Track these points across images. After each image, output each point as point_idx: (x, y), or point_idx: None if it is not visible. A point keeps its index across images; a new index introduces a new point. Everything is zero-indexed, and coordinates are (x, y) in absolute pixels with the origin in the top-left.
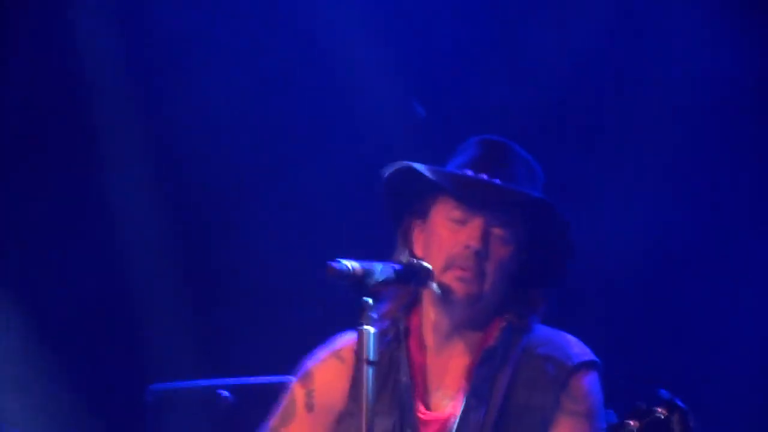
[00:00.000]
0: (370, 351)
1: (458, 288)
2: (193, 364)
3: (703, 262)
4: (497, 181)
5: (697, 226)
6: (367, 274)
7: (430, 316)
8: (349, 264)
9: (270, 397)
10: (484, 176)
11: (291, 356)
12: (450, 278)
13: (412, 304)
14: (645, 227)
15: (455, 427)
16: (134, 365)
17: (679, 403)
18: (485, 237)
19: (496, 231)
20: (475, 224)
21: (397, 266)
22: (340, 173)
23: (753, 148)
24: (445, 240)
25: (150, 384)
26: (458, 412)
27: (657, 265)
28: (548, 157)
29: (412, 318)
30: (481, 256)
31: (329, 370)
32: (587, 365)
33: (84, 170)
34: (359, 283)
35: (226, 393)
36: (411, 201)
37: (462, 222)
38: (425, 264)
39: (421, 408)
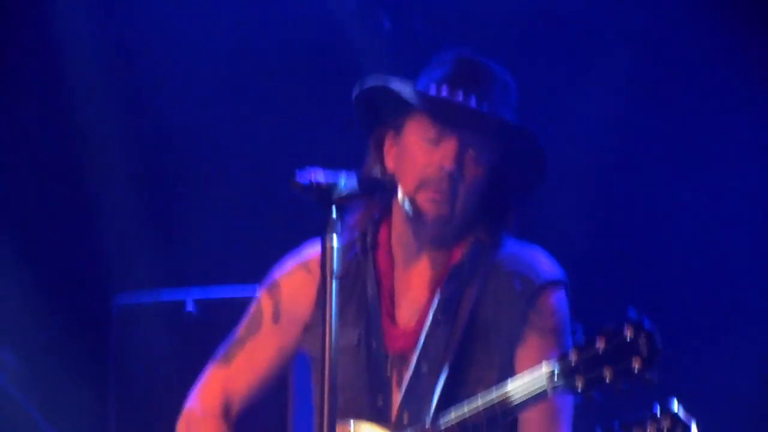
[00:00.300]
0: (335, 264)
1: (430, 209)
2: (161, 273)
3: (671, 162)
4: (473, 102)
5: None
6: (331, 186)
7: (399, 230)
8: (313, 176)
9: (236, 311)
10: (460, 97)
11: (259, 264)
12: (422, 199)
13: (382, 216)
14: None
15: (422, 341)
16: (99, 275)
17: (647, 324)
18: (459, 158)
19: (471, 152)
20: (450, 145)
21: (362, 178)
22: (309, 81)
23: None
24: (419, 160)
25: (115, 293)
26: (425, 326)
27: (627, 172)
28: (521, 65)
29: (380, 230)
30: (454, 177)
31: (296, 281)
32: (555, 283)
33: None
34: (324, 195)
35: (191, 308)
36: (385, 113)
37: (436, 142)
38: (390, 177)
39: (387, 321)
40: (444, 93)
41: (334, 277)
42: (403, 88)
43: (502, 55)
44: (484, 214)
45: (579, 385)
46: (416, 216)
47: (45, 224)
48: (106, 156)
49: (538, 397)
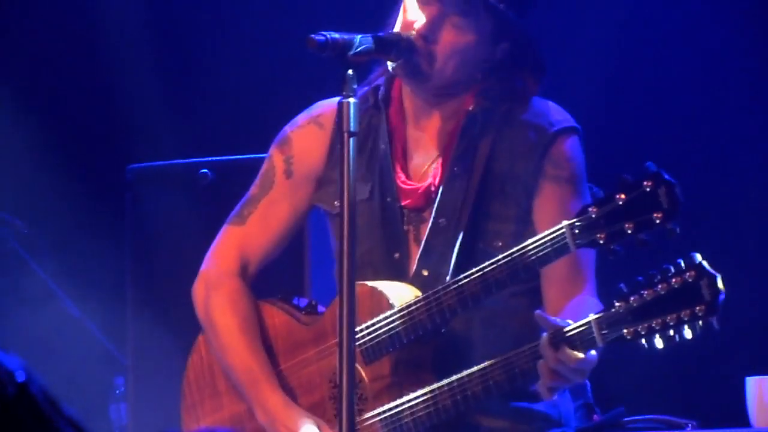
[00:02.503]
0: (351, 122)
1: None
2: (173, 144)
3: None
4: None
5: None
6: (347, 44)
7: (407, 86)
8: (329, 35)
9: (251, 173)
10: None
11: (272, 134)
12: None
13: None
14: None
15: (438, 195)
16: (114, 145)
17: (666, 176)
18: (436, 22)
19: (453, 19)
20: (430, 9)
21: (377, 37)
22: None
23: None
24: (402, 20)
25: (129, 164)
26: (439, 180)
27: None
28: None
29: (393, 86)
30: (428, 40)
31: (308, 136)
32: (569, 131)
33: None
34: (340, 54)
35: (206, 170)
36: None
37: (424, 5)
38: (405, 34)
39: (401, 175)
40: None
41: (351, 134)
42: None
43: None
44: (499, 82)
45: (600, 238)
46: (396, 73)
47: (64, 93)
48: (125, 29)
49: (559, 251)
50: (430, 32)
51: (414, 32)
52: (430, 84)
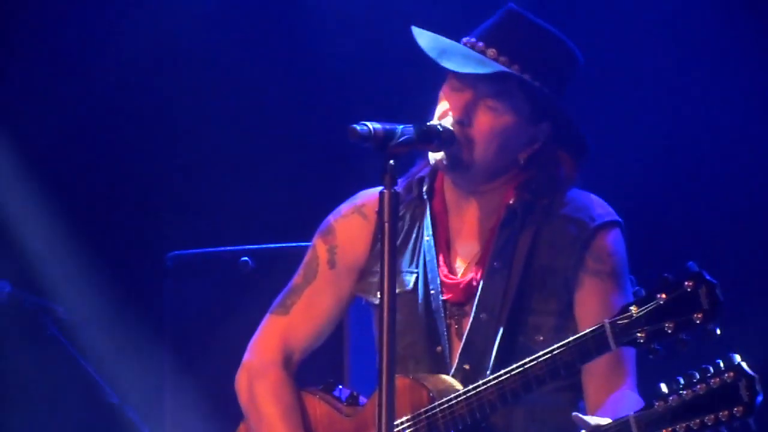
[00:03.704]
0: (392, 213)
1: (445, 156)
2: (214, 232)
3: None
4: (490, 54)
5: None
6: (388, 135)
7: (448, 178)
8: (371, 126)
9: (291, 261)
10: (467, 43)
11: (312, 223)
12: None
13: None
14: None
15: (479, 290)
16: (155, 232)
17: (707, 276)
18: (470, 106)
19: (489, 102)
20: (464, 95)
21: (419, 128)
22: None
23: None
24: (438, 109)
25: (170, 251)
26: (480, 276)
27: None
28: None
29: (436, 178)
30: (464, 124)
31: (352, 226)
32: (611, 224)
33: None
34: (381, 144)
35: (247, 258)
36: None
37: (458, 90)
38: (446, 125)
39: (444, 269)
40: (444, 39)
41: (390, 222)
42: (427, 41)
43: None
44: (540, 164)
45: (641, 337)
46: (439, 166)
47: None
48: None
49: (599, 350)
50: (465, 116)
51: (451, 119)
52: (471, 173)
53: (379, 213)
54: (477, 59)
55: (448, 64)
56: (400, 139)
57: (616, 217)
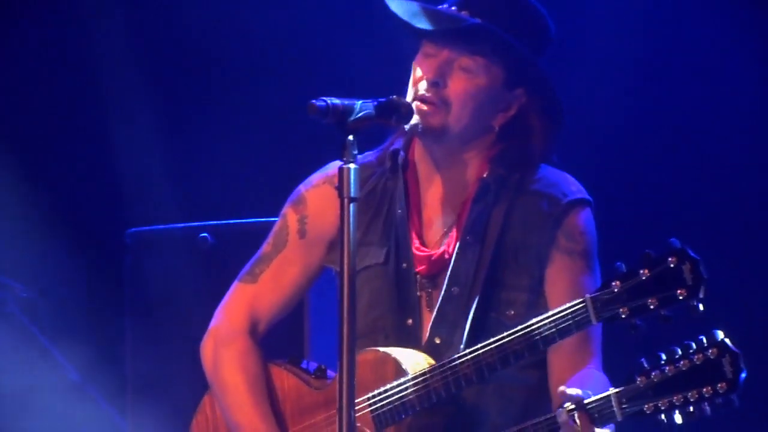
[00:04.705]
0: (352, 188)
1: (420, 121)
2: (173, 208)
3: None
4: (462, 16)
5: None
6: (347, 110)
7: (420, 150)
8: (329, 101)
9: (251, 237)
10: (448, 10)
11: (272, 199)
12: (417, 112)
13: (412, 137)
14: None
15: (451, 263)
16: (114, 209)
17: (691, 252)
18: (444, 68)
19: (463, 62)
20: (439, 57)
21: (378, 103)
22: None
23: None
24: (413, 75)
25: (129, 227)
26: (453, 248)
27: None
28: None
29: (410, 150)
30: (439, 86)
31: (323, 196)
32: (582, 203)
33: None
34: (340, 120)
35: (206, 234)
36: (406, 34)
37: (432, 56)
38: (405, 100)
39: (416, 242)
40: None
41: (351, 200)
42: (398, 5)
43: None
44: (513, 133)
45: (622, 312)
46: (414, 131)
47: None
48: (125, 91)
49: (580, 324)
50: (440, 77)
51: (427, 81)
52: (446, 136)
53: (339, 188)
54: (450, 17)
55: (421, 24)
56: (359, 114)
57: (587, 196)
